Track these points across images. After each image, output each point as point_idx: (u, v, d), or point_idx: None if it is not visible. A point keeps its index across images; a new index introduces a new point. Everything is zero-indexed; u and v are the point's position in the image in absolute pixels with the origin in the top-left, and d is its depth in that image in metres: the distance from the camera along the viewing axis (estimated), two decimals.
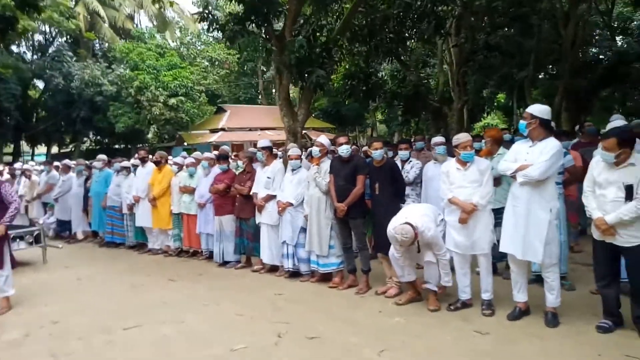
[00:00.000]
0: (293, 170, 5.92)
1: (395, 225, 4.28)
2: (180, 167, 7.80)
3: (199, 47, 30.14)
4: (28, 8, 8.70)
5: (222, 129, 28.85)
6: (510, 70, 12.36)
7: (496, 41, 10.19)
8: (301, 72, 7.43)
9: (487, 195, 4.34)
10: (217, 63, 31.24)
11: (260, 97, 38.64)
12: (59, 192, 9.86)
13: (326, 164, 5.53)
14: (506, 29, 10.86)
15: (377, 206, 5.20)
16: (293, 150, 5.99)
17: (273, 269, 6.32)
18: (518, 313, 4.17)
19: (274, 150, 6.91)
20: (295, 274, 5.97)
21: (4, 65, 25.41)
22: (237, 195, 6.57)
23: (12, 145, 33.32)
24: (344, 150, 5.17)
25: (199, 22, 8.82)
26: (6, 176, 11.27)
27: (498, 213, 4.54)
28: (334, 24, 8.57)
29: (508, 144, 5.43)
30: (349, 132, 38.38)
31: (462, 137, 4.55)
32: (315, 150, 5.64)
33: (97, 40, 29.34)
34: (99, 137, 35.51)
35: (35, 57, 30.67)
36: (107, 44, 28.51)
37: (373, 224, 5.67)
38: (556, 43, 12.24)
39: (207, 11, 8.72)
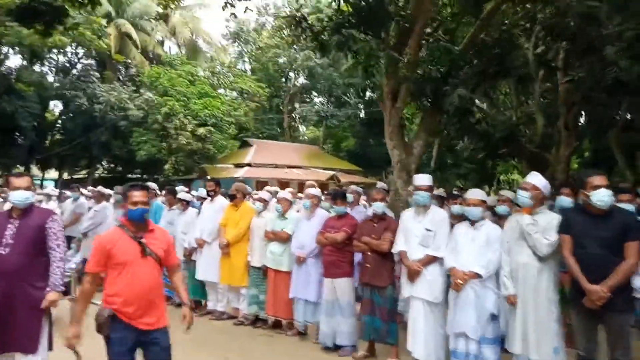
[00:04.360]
0: (474, 222, 3.95)
1: None
2: (266, 204, 5.86)
3: (230, 78, 28.84)
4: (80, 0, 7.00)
5: (248, 164, 27.16)
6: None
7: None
8: (437, 90, 5.60)
9: None
10: (246, 95, 29.89)
11: (284, 134, 37.27)
12: (90, 224, 7.87)
13: (544, 215, 3.57)
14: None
15: None
16: (473, 194, 4.01)
17: None
18: None
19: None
20: None
21: (27, 82, 24.11)
22: (367, 252, 4.57)
23: (22, 168, 31.60)
24: (602, 197, 3.20)
25: (289, 28, 7.14)
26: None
27: None
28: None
29: None
30: (374, 176, 36.68)
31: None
32: (522, 195, 3.65)
33: (124, 64, 28.15)
34: (112, 165, 33.84)
35: (56, 77, 29.47)
36: (135, 68, 27.28)
37: None
38: None
39: (299, 15, 7.04)
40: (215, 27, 70.17)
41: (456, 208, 4.87)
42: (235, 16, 8.22)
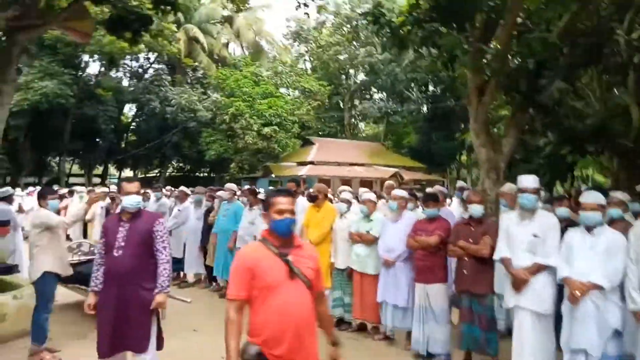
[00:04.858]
0: (590, 228, 3.60)
1: None
2: (349, 204, 5.75)
3: (292, 77, 29.22)
4: (164, 6, 7.23)
5: (311, 162, 27.36)
6: None
7: None
8: (531, 83, 5.21)
9: None
10: (308, 94, 30.12)
11: (344, 132, 37.20)
12: (174, 223, 8.17)
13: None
14: None
15: None
16: (590, 197, 3.66)
17: None
18: None
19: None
20: None
21: (106, 87, 25.74)
22: (464, 258, 4.34)
23: (101, 168, 33.85)
24: None
25: (369, 24, 6.97)
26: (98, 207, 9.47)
27: None
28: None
29: None
30: (438, 173, 35.67)
31: None
32: None
33: (192, 67, 29.31)
34: (181, 164, 35.39)
35: (131, 82, 31.22)
36: (202, 71, 28.35)
37: None
38: None
39: (378, 10, 6.85)
40: (277, 28, 71.24)
41: (563, 211, 4.50)
42: (309, 15, 8.19)
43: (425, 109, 34.91)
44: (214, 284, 7.90)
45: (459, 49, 5.57)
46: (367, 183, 25.40)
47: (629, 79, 9.78)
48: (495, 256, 4.07)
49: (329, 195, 6.95)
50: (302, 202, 6.33)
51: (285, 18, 52.16)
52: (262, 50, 32.11)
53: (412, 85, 34.02)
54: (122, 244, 3.39)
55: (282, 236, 2.35)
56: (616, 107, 10.24)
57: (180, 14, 27.59)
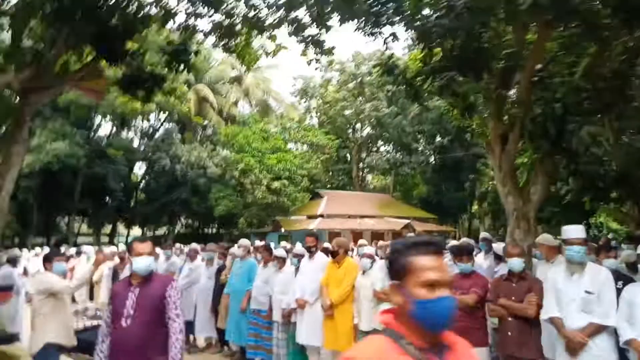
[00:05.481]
0: None
1: None
2: (372, 260, 5.40)
3: (300, 133, 29.62)
4: (177, 65, 7.29)
5: (321, 216, 27.04)
6: None
7: None
8: (559, 128, 5.00)
9: None
10: (316, 148, 30.35)
11: (352, 184, 37.15)
12: (186, 282, 7.76)
13: None
14: None
15: None
16: None
17: None
18: None
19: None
20: None
21: (117, 147, 26.10)
22: (506, 319, 3.91)
23: (110, 227, 33.69)
24: None
25: (381, 76, 6.95)
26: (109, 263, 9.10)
27: None
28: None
29: None
30: (449, 223, 35.14)
31: None
32: None
33: (202, 125, 29.87)
34: (189, 221, 35.19)
35: (141, 141, 31.73)
36: (211, 128, 28.86)
37: None
38: None
39: (391, 61, 6.84)
40: (284, 86, 73.51)
41: (610, 263, 4.13)
42: (320, 69, 8.25)
43: (433, 159, 34.96)
44: (225, 348, 7.39)
45: (479, 96, 5.40)
46: (378, 235, 24.93)
47: None
48: (544, 316, 3.66)
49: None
50: (321, 258, 5.96)
51: (292, 77, 53.96)
52: (269, 108, 32.78)
53: (419, 136, 34.29)
54: (132, 312, 3.05)
55: (433, 329, 1.38)
56: (636, 152, 10.02)
57: (191, 75, 28.57)
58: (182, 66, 7.48)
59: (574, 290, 3.52)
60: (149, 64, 7.69)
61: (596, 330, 3.37)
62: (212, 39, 7.26)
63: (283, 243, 11.52)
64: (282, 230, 25.28)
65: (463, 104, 6.22)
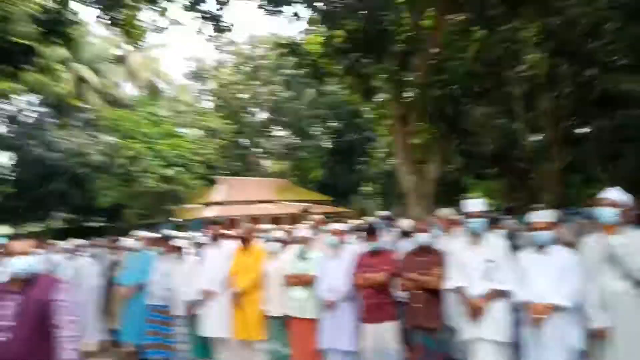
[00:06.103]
0: (541, 246, 3.55)
1: None
2: (285, 245, 5.27)
3: (194, 117, 28.19)
4: (55, 37, 6.40)
5: (218, 203, 26.27)
6: None
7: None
8: (458, 110, 5.31)
9: None
10: (212, 133, 29.23)
11: (249, 170, 36.61)
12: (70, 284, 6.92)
13: (634, 233, 3.21)
14: None
15: None
16: (541, 216, 3.62)
17: None
18: None
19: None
20: None
21: None
22: (415, 291, 4.06)
23: None
24: None
25: (286, 55, 6.77)
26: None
27: None
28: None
29: None
30: (344, 205, 36.41)
31: None
32: (606, 213, 3.30)
33: (82, 108, 26.97)
34: (69, 215, 31.91)
35: (8, 127, 27.77)
36: (93, 112, 26.18)
37: None
38: None
39: (294, 42, 6.69)
40: (175, 68, 69.45)
41: (499, 233, 4.46)
42: (217, 49, 7.83)
43: (328, 143, 35.81)
44: (120, 350, 6.78)
45: (381, 79, 5.51)
46: (278, 220, 24.96)
47: (518, 108, 10.71)
48: (449, 286, 3.85)
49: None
50: (228, 245, 5.68)
51: (184, 58, 51.11)
52: (159, 90, 30.70)
53: (315, 121, 34.82)
54: (11, 323, 2.55)
55: None
56: (510, 133, 11.17)
57: (68, 52, 25.50)
58: (58, 39, 6.56)
59: (475, 260, 3.75)
60: (17, 36, 6.59)
61: (495, 295, 3.63)
62: (94, 11, 6.45)
63: (181, 233, 10.90)
64: (178, 219, 24.09)
65: (365, 85, 6.31)
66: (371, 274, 4.30)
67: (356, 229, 5.81)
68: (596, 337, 3.25)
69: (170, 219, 24.05)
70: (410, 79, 5.80)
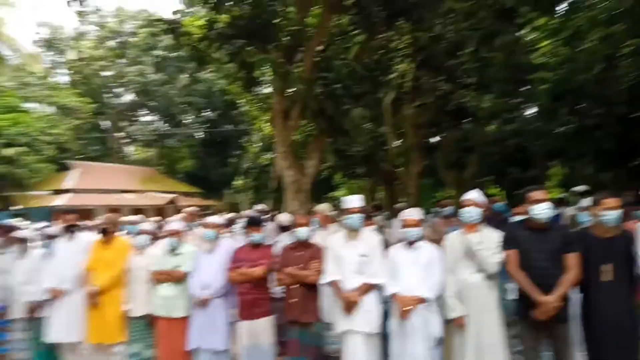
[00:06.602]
0: (411, 243, 3.80)
1: None
2: (155, 238, 4.85)
3: (44, 91, 24.70)
4: None
5: (69, 190, 23.48)
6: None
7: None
8: (338, 109, 5.45)
9: None
10: (66, 111, 25.96)
11: (110, 155, 33.46)
12: None
13: (488, 232, 3.59)
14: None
15: (608, 303, 3.28)
16: (411, 213, 3.86)
17: None
18: None
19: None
20: None
21: None
22: (292, 285, 4.04)
23: None
24: (542, 211, 3.33)
25: (163, 34, 6.23)
26: None
27: None
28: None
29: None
30: (215, 198, 35.41)
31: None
32: (469, 212, 3.64)
33: None
34: None
35: None
36: None
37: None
38: None
39: (175, 24, 6.20)
40: (23, 33, 59.98)
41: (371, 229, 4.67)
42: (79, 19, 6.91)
43: (201, 133, 34.49)
44: None
45: (266, 70, 5.40)
46: (140, 211, 23.24)
47: (387, 114, 11.48)
48: (325, 280, 3.92)
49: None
50: (84, 238, 5.04)
51: (37, 23, 44.38)
52: (1, 57, 26.25)
53: (188, 108, 33.21)
54: None
55: None
56: (378, 136, 11.96)
57: None
58: None
59: (350, 254, 3.87)
60: None
61: (368, 288, 3.79)
62: None
63: (22, 223, 9.47)
64: (19, 207, 20.91)
65: (248, 75, 6.14)
66: (249, 268, 4.18)
67: (230, 223, 5.61)
68: (454, 325, 3.59)
69: (10, 206, 20.81)
70: (295, 72, 5.79)
